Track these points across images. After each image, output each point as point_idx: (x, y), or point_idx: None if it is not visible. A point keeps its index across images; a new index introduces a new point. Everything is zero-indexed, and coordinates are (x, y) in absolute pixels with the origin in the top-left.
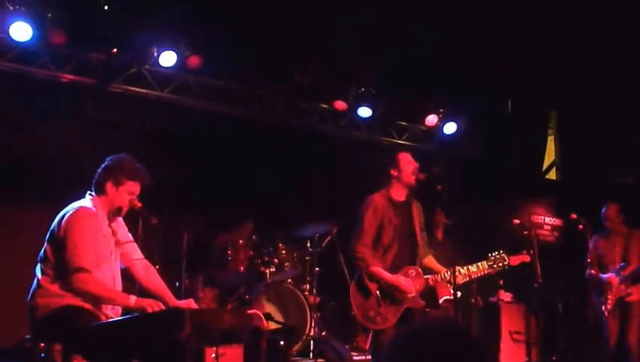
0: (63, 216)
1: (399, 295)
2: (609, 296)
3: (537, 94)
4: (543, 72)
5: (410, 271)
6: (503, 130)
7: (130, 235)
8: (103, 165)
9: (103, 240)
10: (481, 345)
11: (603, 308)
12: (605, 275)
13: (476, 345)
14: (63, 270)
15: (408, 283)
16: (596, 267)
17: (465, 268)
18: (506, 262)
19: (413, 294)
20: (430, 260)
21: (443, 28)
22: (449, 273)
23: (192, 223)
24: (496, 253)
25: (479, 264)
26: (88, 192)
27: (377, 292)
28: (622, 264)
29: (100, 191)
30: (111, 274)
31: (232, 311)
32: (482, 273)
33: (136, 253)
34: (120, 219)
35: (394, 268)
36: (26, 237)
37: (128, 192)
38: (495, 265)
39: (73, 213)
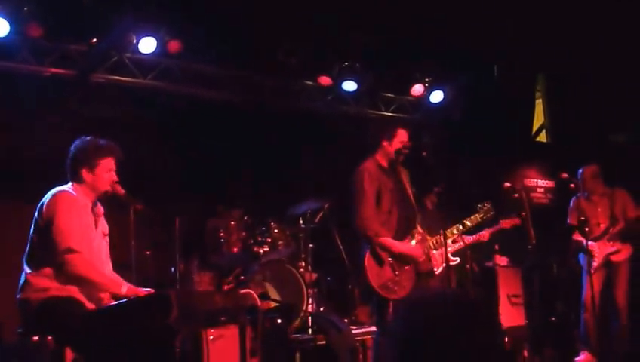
0: (43, 203)
1: (410, 261)
2: (595, 257)
3: (523, 58)
4: (528, 36)
5: (416, 235)
6: (490, 95)
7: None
8: (70, 154)
9: (87, 222)
10: (489, 315)
11: (591, 268)
12: (590, 242)
13: (484, 315)
14: (52, 254)
15: (417, 248)
16: (577, 231)
17: (456, 226)
18: (492, 213)
19: (423, 256)
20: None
21: None
22: (435, 240)
23: (183, 208)
24: (482, 204)
25: (472, 217)
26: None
27: (391, 260)
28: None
29: (78, 179)
30: (98, 255)
31: (224, 292)
32: (476, 223)
33: None
34: (102, 211)
35: (400, 233)
36: (14, 233)
37: (106, 171)
38: (485, 216)
39: (53, 196)
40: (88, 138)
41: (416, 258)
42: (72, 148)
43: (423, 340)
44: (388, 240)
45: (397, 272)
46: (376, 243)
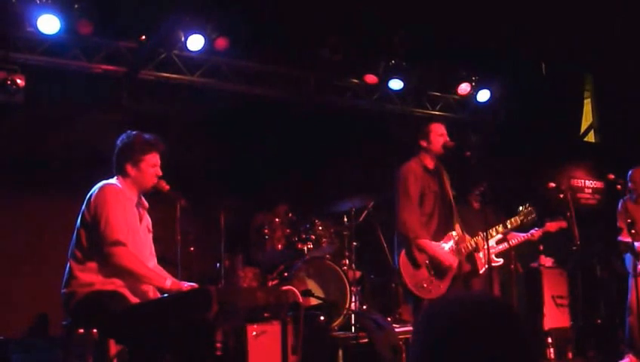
0: (90, 196)
1: (442, 266)
2: None
3: (571, 57)
4: (576, 35)
5: (453, 237)
6: (537, 94)
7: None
8: (116, 148)
9: (133, 215)
10: (520, 324)
11: (638, 269)
12: (637, 243)
13: (515, 322)
14: (99, 246)
15: (449, 254)
16: (626, 232)
17: (495, 228)
18: (534, 215)
19: (456, 263)
20: (457, 228)
21: None
22: (477, 241)
23: (229, 204)
24: (524, 206)
25: (512, 219)
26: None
27: (427, 261)
28: None
29: (123, 173)
30: (142, 248)
31: (266, 289)
32: (516, 225)
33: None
34: (146, 205)
35: (437, 235)
36: (64, 228)
37: (150, 166)
38: (525, 219)
39: (100, 189)
40: (134, 133)
41: (448, 265)
42: (117, 142)
43: (445, 345)
44: (425, 243)
45: (432, 272)
46: (415, 244)
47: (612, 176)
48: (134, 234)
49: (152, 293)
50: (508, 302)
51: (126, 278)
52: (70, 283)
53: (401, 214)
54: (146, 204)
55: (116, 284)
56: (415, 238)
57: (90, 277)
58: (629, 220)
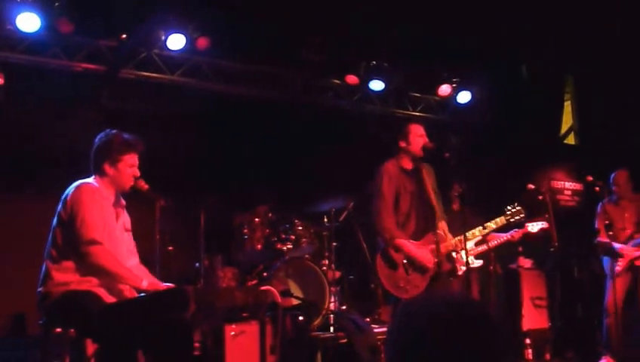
0: (66, 195)
1: (420, 266)
2: (620, 261)
3: (552, 59)
4: (557, 37)
5: (433, 238)
6: (518, 96)
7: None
8: (94, 147)
9: (109, 214)
10: (497, 329)
11: (614, 272)
12: (617, 245)
13: (493, 324)
14: (75, 246)
15: (427, 254)
16: (604, 233)
17: (479, 228)
18: (522, 215)
19: (434, 262)
20: (443, 226)
21: None
22: (458, 241)
23: (209, 204)
24: (512, 206)
25: (497, 219)
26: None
27: (405, 261)
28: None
29: (100, 173)
30: (119, 247)
31: (244, 289)
32: (501, 225)
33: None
34: (123, 204)
35: (417, 235)
36: (42, 227)
37: (128, 166)
38: (512, 218)
39: (76, 189)
40: (113, 132)
41: (425, 265)
42: (95, 141)
43: (425, 344)
44: (402, 242)
45: (409, 271)
46: (391, 244)
47: (590, 178)
48: (110, 232)
49: (128, 292)
50: (483, 304)
51: (102, 277)
52: (46, 282)
53: (376, 215)
54: (124, 201)
55: (92, 283)
56: (391, 239)
57: (65, 276)
58: (606, 221)
